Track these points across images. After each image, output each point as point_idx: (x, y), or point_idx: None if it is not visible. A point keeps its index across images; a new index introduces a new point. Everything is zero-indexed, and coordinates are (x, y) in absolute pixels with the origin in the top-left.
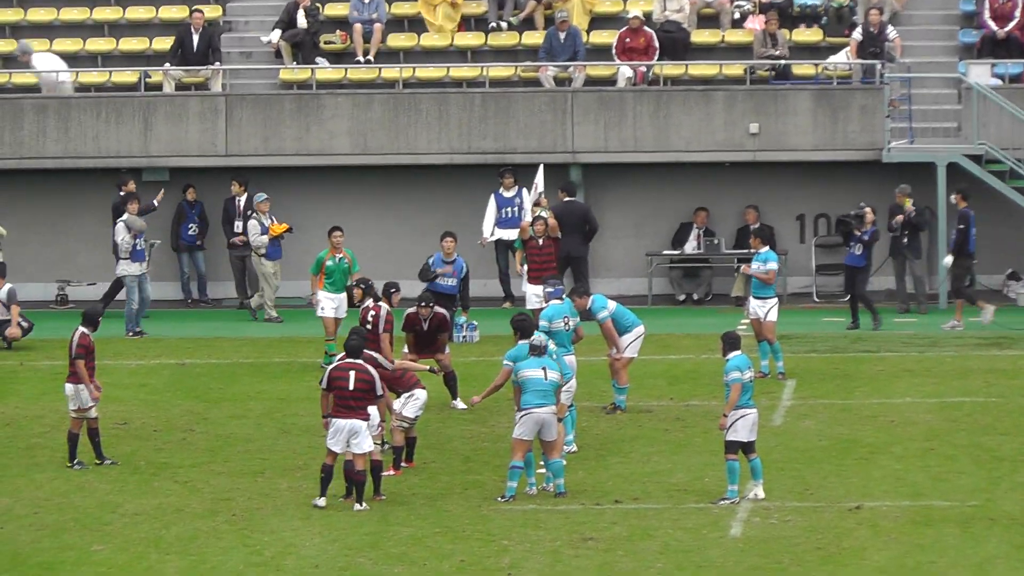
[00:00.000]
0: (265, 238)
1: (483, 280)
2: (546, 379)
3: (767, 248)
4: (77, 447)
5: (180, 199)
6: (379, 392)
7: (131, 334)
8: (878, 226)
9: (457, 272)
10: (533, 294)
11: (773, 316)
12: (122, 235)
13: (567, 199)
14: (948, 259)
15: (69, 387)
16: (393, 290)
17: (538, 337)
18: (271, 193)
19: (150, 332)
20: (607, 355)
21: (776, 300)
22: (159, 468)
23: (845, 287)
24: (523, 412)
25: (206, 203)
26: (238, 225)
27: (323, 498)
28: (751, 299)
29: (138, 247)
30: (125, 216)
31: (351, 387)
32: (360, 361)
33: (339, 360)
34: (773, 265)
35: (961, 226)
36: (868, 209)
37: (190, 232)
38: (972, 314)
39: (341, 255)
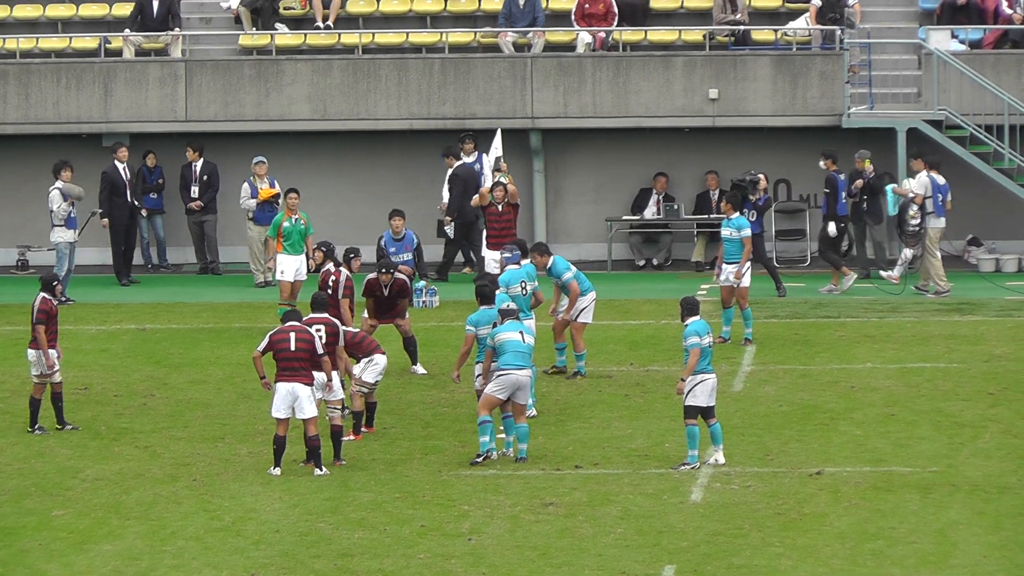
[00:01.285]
0: (253, 202)
1: (443, 246)
2: (524, 341)
3: (738, 214)
4: (39, 412)
5: (140, 164)
6: (320, 351)
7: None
8: (770, 194)
9: (410, 246)
10: (492, 259)
11: (746, 282)
12: (57, 202)
13: (458, 163)
14: (831, 227)
15: (31, 352)
16: (353, 255)
17: (507, 303)
18: (230, 159)
19: (109, 298)
20: (551, 312)
21: (749, 266)
22: (119, 433)
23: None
24: (501, 373)
25: (166, 168)
26: (194, 191)
27: (278, 468)
28: (724, 265)
29: (72, 215)
30: (60, 183)
31: (292, 347)
32: (299, 323)
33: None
34: (747, 232)
35: (827, 190)
36: (762, 176)
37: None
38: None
39: (297, 216)
